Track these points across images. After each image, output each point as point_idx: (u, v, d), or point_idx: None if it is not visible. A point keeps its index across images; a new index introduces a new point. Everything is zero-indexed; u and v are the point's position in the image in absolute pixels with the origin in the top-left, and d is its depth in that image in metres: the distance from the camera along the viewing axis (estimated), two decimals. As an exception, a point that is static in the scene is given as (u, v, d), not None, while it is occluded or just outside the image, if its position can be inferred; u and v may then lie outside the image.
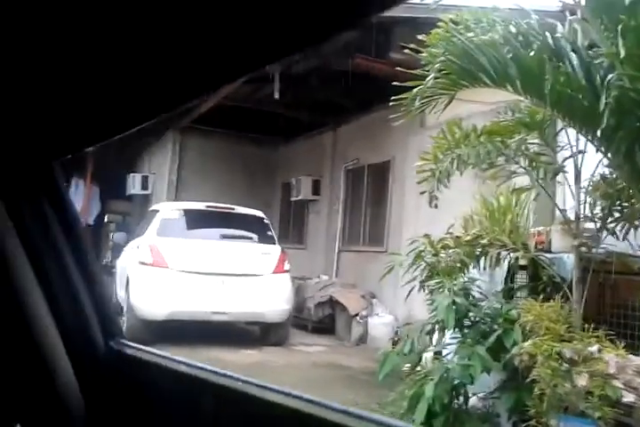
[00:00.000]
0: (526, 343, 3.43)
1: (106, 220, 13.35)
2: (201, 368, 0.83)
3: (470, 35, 3.69)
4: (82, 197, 13.33)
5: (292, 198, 11.33)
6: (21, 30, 0.62)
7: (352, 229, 9.94)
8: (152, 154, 13.26)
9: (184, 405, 0.80)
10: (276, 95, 8.26)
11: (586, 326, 3.62)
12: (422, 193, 3.91)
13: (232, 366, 5.96)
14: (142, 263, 6.89)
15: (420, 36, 3.95)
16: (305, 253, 11.16)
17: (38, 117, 0.83)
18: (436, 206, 3.90)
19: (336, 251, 10.10)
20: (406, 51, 4.06)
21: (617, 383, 3.04)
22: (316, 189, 10.89)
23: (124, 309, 7.11)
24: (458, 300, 3.89)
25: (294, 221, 12.09)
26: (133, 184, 12.50)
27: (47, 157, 0.90)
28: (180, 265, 6.88)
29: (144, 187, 12.49)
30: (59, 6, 0.58)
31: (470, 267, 4.37)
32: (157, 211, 7.78)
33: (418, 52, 3.86)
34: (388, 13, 4.78)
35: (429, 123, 8.12)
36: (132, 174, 12.79)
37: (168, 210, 7.65)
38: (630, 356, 3.13)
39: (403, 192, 8.46)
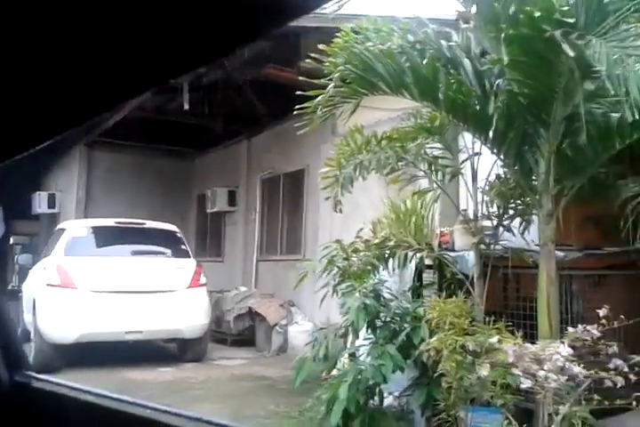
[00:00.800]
0: (432, 339, 3.55)
1: (11, 242, 12.68)
2: (108, 397, 0.82)
3: (369, 44, 3.82)
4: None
5: (208, 210, 11.19)
6: None
7: (270, 238, 9.93)
8: (59, 171, 12.74)
9: None
10: (186, 106, 8.17)
11: (487, 319, 3.80)
12: (327, 198, 3.98)
13: (148, 386, 5.80)
14: (49, 285, 6.58)
15: (320, 46, 4.03)
16: (223, 265, 11.04)
17: None
18: (340, 211, 3.98)
19: (254, 261, 10.05)
20: (308, 60, 4.15)
21: (516, 371, 3.20)
22: (232, 199, 10.82)
23: (32, 333, 6.76)
24: (368, 301, 3.98)
25: (211, 234, 11.94)
26: (39, 203, 11.94)
27: None
28: (89, 285, 6.62)
29: (51, 205, 11.96)
30: None
31: (380, 269, 4.48)
32: (64, 229, 7.46)
33: (321, 61, 3.95)
34: (297, 23, 4.86)
35: (340, 130, 8.28)
36: (37, 193, 12.22)
37: (75, 228, 7.35)
38: (527, 344, 3.30)
39: (317, 200, 8.55)
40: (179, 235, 7.67)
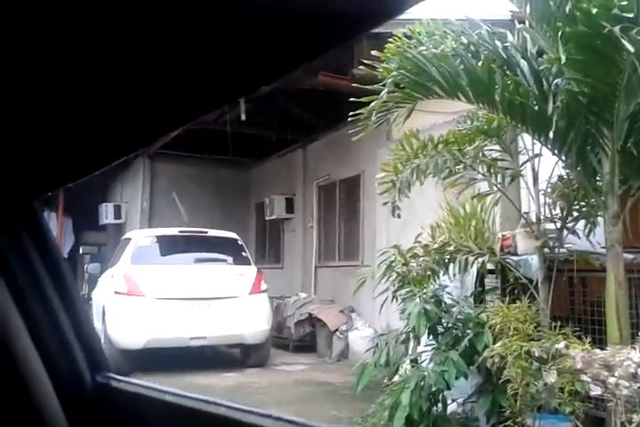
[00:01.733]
0: (496, 345, 3.49)
1: (81, 251, 13.22)
2: (187, 397, 0.83)
3: (422, 48, 3.82)
4: (55, 229, 13.21)
5: (267, 218, 11.35)
6: None
7: (327, 244, 9.98)
8: (123, 182, 13.21)
9: None
10: (243, 117, 8.34)
11: (553, 324, 3.71)
12: (385, 204, 3.98)
13: (212, 390, 5.92)
14: (117, 293, 6.84)
15: (373, 52, 4.05)
16: (282, 271, 11.16)
17: (17, 156, 0.82)
18: (399, 216, 3.98)
19: (313, 268, 10.12)
20: (361, 67, 4.18)
21: (585, 378, 3.11)
22: (290, 207, 10.94)
23: (102, 340, 7.03)
24: (428, 307, 3.95)
25: (270, 241, 12.10)
26: (106, 214, 12.42)
27: (28, 196, 0.90)
28: (155, 292, 6.84)
29: (117, 216, 12.42)
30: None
31: (440, 274, 4.44)
32: (130, 239, 7.74)
33: (374, 67, 3.97)
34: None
35: (395, 135, 8.25)
36: (104, 204, 12.71)
37: (140, 237, 7.62)
38: (596, 350, 3.20)
39: (374, 205, 8.54)
40: (239, 242, 7.83)
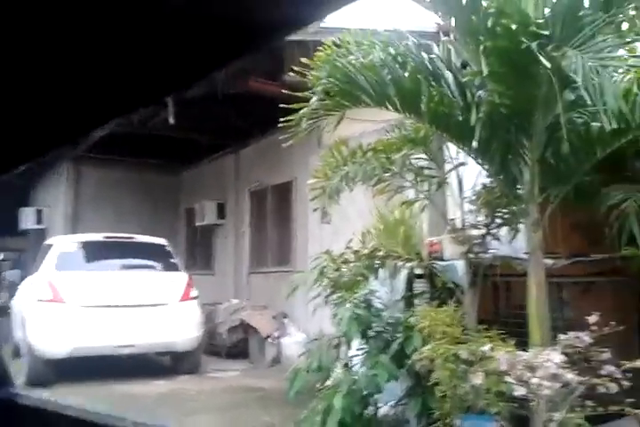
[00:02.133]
0: (425, 348, 3.58)
1: (0, 258, 12.58)
2: (90, 412, 0.84)
3: (351, 57, 3.87)
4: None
5: (198, 223, 11.19)
6: None
7: (260, 250, 9.94)
8: (45, 186, 12.68)
9: None
10: (171, 120, 8.19)
11: (480, 327, 3.83)
12: (315, 210, 4.02)
13: (143, 399, 5.77)
14: (40, 300, 6.55)
15: (303, 60, 4.08)
16: (214, 278, 11.02)
17: None
18: (328, 222, 4.03)
19: (245, 274, 10.05)
20: (291, 74, 4.20)
21: (509, 379, 3.23)
22: (222, 212, 10.83)
23: (23, 349, 6.72)
24: (359, 311, 4.00)
25: (201, 247, 11.93)
26: (26, 219, 11.88)
27: None
28: (79, 300, 6.60)
29: (38, 221, 11.90)
30: None
31: (371, 279, 4.51)
32: (52, 245, 7.43)
33: (304, 74, 4.00)
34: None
35: (327, 142, 8.33)
36: (24, 208, 12.16)
37: (63, 243, 7.33)
38: (519, 352, 3.33)
39: (306, 211, 8.58)
40: (168, 248, 7.67)
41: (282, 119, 3.72)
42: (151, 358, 7.89)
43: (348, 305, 4.06)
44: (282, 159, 9.20)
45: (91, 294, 6.67)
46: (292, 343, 7.88)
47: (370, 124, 6.96)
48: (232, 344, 8.55)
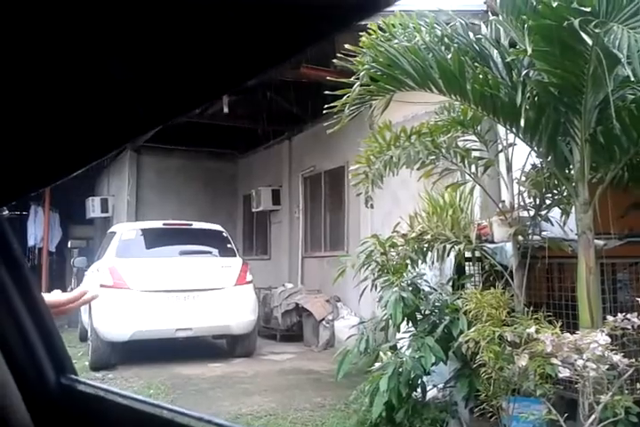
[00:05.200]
0: (470, 330, 3.58)
1: (69, 245, 13.22)
2: (148, 403, 0.84)
3: (395, 41, 3.87)
4: (42, 224, 13.20)
5: (254, 209, 11.41)
6: None
7: (314, 235, 10.06)
8: (110, 176, 13.20)
9: None
10: (225, 109, 8.37)
11: (527, 309, 3.80)
12: (358, 195, 4.05)
13: (198, 380, 6.00)
14: (103, 286, 6.88)
15: (346, 45, 4.10)
16: (270, 262, 11.24)
17: None
18: (372, 207, 4.05)
19: (300, 258, 10.20)
20: (335, 60, 4.23)
21: (555, 361, 3.20)
22: (277, 198, 10.99)
23: (89, 333, 7.09)
24: (405, 294, 4.03)
25: (257, 232, 12.16)
26: (93, 208, 12.41)
27: None
28: (140, 285, 6.89)
29: (104, 210, 12.41)
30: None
31: (419, 262, 4.52)
32: (115, 232, 7.77)
33: (349, 60, 4.01)
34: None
35: (378, 126, 8.30)
36: (91, 198, 12.70)
37: (125, 231, 7.65)
38: (566, 334, 3.29)
39: (358, 196, 8.62)
40: (224, 234, 7.88)
41: (326, 106, 3.76)
42: (208, 342, 8.16)
43: (394, 288, 4.09)
44: (334, 144, 9.24)
45: (151, 280, 6.95)
46: (346, 327, 7.96)
47: (421, 107, 6.91)
48: (287, 328, 8.73)
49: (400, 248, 4.57)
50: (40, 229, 13.35)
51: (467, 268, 4.79)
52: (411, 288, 4.25)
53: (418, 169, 4.02)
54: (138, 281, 6.89)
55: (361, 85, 3.54)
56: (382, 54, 3.77)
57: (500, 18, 4.15)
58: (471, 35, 4.13)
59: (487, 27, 4.25)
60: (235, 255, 7.69)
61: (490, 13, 5.08)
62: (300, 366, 6.87)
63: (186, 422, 0.76)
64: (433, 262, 4.61)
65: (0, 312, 0.79)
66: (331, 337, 8.05)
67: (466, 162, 4.09)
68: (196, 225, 7.80)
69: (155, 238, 7.48)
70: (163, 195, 12.07)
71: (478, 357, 3.48)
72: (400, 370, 3.95)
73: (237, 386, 5.81)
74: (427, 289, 4.47)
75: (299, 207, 10.39)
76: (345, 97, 3.63)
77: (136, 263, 7.06)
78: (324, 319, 8.18)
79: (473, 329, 3.60)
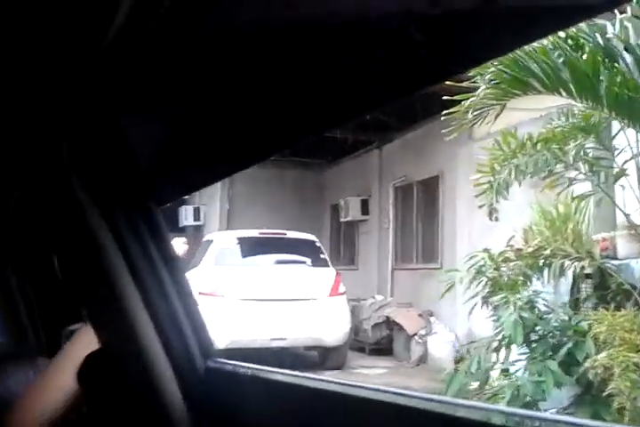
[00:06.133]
0: (600, 355, 3.28)
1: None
2: (297, 376, 0.85)
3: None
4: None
5: (342, 219, 11.32)
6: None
7: (404, 247, 9.83)
8: (202, 185, 13.52)
9: (287, 412, 0.82)
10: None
11: (665, 335, 3.45)
12: (481, 206, 3.84)
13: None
14: (200, 293, 6.96)
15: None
16: (357, 273, 11.09)
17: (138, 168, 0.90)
18: (496, 219, 3.82)
19: (389, 270, 9.99)
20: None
21: None
22: (365, 208, 10.86)
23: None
24: (524, 314, 3.77)
25: (345, 242, 12.06)
26: (185, 216, 12.76)
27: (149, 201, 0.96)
28: (236, 293, 6.92)
29: (196, 218, 12.73)
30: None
31: (534, 279, 4.24)
32: (212, 240, 7.88)
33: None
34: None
35: (477, 134, 8.04)
36: (183, 207, 13.06)
37: (222, 239, 7.75)
38: None
39: (454, 206, 8.34)
40: (317, 244, 7.82)
41: (445, 112, 3.60)
42: (299, 353, 8.08)
43: (511, 308, 3.84)
44: (427, 153, 9.02)
45: (246, 288, 6.97)
46: (440, 343, 7.69)
47: (525, 113, 6.60)
48: (376, 341, 8.53)
49: (513, 264, 4.30)
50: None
51: (583, 286, 4.45)
52: (527, 307, 3.98)
53: (543, 178, 3.76)
54: (234, 289, 6.93)
55: (486, 89, 3.35)
56: (506, 56, 3.57)
57: (630, 15, 3.85)
58: (597, 35, 3.85)
59: (614, 26, 3.95)
60: (327, 266, 7.60)
61: (616, 11, 4.74)
62: (393, 382, 6.65)
63: (353, 393, 0.75)
64: (549, 279, 4.31)
65: (156, 299, 0.83)
66: (424, 353, 7.79)
67: (594, 171, 3.79)
68: (290, 234, 7.79)
69: (250, 247, 7.51)
70: (252, 204, 12.22)
71: (613, 384, 3.17)
72: (516, 394, 3.69)
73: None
74: (543, 308, 4.18)
75: (389, 218, 10.20)
76: (467, 102, 3.45)
77: (232, 271, 7.10)
78: (416, 334, 7.92)
79: (604, 354, 3.29)
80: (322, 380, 0.81)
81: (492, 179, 3.68)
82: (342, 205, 11.18)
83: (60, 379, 0.87)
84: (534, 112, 6.23)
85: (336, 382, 0.78)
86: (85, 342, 0.89)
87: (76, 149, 0.85)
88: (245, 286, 6.98)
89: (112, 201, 0.86)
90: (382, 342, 8.55)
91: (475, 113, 3.46)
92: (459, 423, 0.59)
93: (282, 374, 0.85)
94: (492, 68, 3.38)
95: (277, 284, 7.07)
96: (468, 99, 3.60)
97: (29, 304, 1.53)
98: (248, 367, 0.89)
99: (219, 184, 12.35)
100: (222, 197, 12.19)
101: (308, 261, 7.62)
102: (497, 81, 3.47)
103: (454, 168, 8.37)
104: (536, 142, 3.68)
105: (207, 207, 12.77)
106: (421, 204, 9.44)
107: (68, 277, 1.08)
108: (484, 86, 3.38)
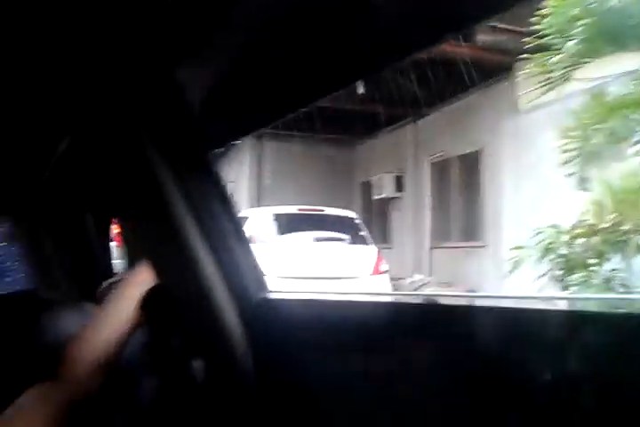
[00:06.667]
0: None
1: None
2: (346, 300, 1.11)
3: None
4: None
5: (375, 197, 11.03)
6: None
7: (443, 224, 9.52)
8: (230, 163, 13.29)
9: (329, 329, 0.90)
10: (361, 90, 7.98)
11: None
12: (570, 175, 3.52)
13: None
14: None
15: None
16: (392, 252, 10.80)
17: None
18: (586, 190, 3.50)
19: (426, 248, 9.71)
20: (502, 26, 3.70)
21: None
22: (399, 185, 10.55)
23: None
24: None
25: (376, 220, 11.76)
26: (213, 193, 12.56)
27: (203, 149, 0.98)
28: (275, 271, 6.69)
29: (224, 195, 12.53)
30: None
31: (610, 257, 3.93)
32: (246, 217, 7.64)
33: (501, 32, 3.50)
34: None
35: (524, 106, 7.66)
36: (211, 184, 12.88)
37: (257, 215, 7.50)
38: None
39: (499, 182, 8.01)
40: (357, 221, 7.56)
41: (522, 72, 3.27)
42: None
43: (590, 287, 3.55)
44: (468, 127, 8.65)
45: (286, 266, 6.73)
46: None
47: (576, 84, 6.23)
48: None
49: (583, 240, 4.00)
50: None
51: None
52: (605, 286, 3.68)
53: (635, 144, 3.42)
54: (272, 267, 6.69)
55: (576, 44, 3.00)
56: (588, 12, 3.22)
57: None
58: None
59: None
60: (368, 243, 7.34)
61: None
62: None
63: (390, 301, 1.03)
64: (623, 258, 4.00)
65: (216, 237, 0.87)
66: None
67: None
68: (328, 211, 7.53)
69: (288, 224, 7.27)
70: (281, 181, 11.97)
71: None
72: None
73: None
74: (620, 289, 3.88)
75: (425, 195, 9.88)
76: (556, 57, 3.11)
77: (270, 249, 6.87)
78: (459, 314, 7.67)
79: None
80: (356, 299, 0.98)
81: (579, 145, 3.35)
82: (375, 182, 10.87)
83: (118, 314, 0.90)
84: (586, 82, 5.86)
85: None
86: (140, 280, 0.93)
87: (138, 104, 0.88)
88: (284, 264, 6.74)
89: (174, 149, 0.89)
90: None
91: (563, 71, 3.11)
92: None
93: (326, 297, 1.09)
94: (582, 22, 3.04)
95: (317, 261, 6.83)
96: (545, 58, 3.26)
97: (62, 260, 1.62)
98: (296, 296, 1.19)
99: (247, 161, 12.11)
100: (251, 174, 11.95)
101: (348, 238, 7.36)
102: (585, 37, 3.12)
103: (498, 142, 8.01)
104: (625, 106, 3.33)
105: (235, 184, 12.54)
106: (461, 179, 9.09)
107: (132, 222, 1.12)
108: (574, 40, 3.03)
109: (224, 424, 0.84)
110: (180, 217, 0.85)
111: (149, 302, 0.89)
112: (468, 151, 8.78)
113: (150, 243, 0.97)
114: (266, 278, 0.97)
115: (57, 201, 1.57)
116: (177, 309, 0.89)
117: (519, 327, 0.69)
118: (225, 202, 0.91)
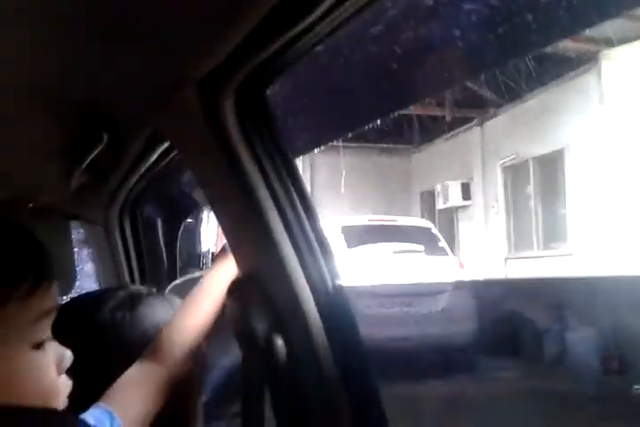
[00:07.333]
0: None
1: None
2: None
3: None
4: (214, 228, 13.23)
5: (439, 207, 10.42)
6: None
7: (519, 233, 8.82)
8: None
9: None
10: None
11: None
12: None
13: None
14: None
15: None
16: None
17: None
18: None
19: (501, 258, 9.02)
20: None
21: None
22: (467, 193, 9.91)
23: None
24: None
25: (441, 231, 11.12)
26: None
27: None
28: (349, 283, 6.15)
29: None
30: None
31: None
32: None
33: None
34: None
35: (609, 100, 6.99)
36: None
37: (327, 227, 6.98)
38: None
39: (585, 183, 7.32)
40: (433, 231, 6.99)
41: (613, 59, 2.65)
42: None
43: None
44: (545, 126, 8.00)
45: (361, 280, 6.17)
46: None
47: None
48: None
49: None
50: (212, 233, 13.43)
51: None
52: None
53: None
54: (348, 281, 6.15)
55: None
56: None
57: None
58: None
59: None
60: (447, 254, 6.73)
61: None
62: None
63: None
64: None
65: (296, 229, 0.89)
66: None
67: None
68: (401, 221, 6.98)
69: (359, 235, 6.73)
70: (335, 193, 11.55)
71: None
72: None
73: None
74: None
75: (497, 201, 9.21)
76: None
77: (341, 262, 6.33)
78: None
79: None
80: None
81: None
82: (439, 190, 10.27)
83: (205, 304, 0.94)
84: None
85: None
86: (227, 271, 0.97)
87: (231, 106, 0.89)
88: (359, 278, 6.18)
89: (261, 148, 0.90)
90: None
91: None
92: None
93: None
94: None
95: (394, 274, 6.25)
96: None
97: (133, 261, 1.71)
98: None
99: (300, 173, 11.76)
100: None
101: (426, 249, 6.75)
102: None
103: (583, 139, 7.33)
104: None
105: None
106: (539, 183, 8.42)
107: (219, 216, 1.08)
108: None
109: (303, 397, 0.90)
110: (268, 217, 0.89)
111: (235, 293, 0.96)
112: (545, 152, 8.11)
113: (239, 239, 1.01)
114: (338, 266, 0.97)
115: (131, 209, 1.66)
116: (262, 296, 0.94)
117: None
118: (307, 204, 0.93)
